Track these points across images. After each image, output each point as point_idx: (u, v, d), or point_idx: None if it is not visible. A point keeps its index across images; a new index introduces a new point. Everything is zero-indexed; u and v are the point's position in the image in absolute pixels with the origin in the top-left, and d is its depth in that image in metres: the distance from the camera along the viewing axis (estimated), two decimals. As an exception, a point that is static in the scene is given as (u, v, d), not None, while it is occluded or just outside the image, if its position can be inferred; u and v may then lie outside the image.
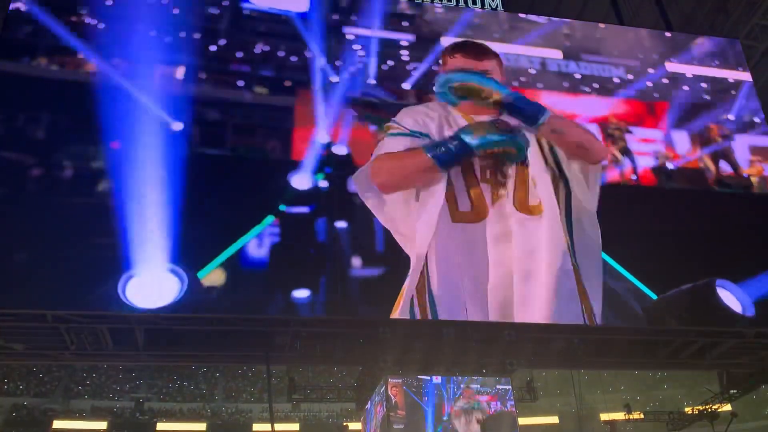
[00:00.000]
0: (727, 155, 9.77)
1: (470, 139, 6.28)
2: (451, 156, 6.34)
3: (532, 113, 6.19)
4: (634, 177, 9.36)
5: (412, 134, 6.65)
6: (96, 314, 7.36)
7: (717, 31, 13.59)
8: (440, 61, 7.26)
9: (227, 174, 8.09)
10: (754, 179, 9.59)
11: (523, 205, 6.50)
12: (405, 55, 9.29)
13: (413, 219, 6.24)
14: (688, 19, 14.16)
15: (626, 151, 9.52)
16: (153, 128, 7.70)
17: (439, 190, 6.35)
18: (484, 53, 7.23)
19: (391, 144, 6.82)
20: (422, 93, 8.83)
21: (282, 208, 7.85)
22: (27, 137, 7.66)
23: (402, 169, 6.49)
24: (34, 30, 8.12)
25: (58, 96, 7.93)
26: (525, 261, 6.47)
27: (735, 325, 8.33)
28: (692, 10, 14.22)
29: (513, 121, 6.06)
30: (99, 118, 7.59)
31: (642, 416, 16.89)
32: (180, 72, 8.29)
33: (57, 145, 7.65)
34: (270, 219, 7.73)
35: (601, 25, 11.27)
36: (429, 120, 6.80)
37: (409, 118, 7.01)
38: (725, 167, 9.70)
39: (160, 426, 25.06)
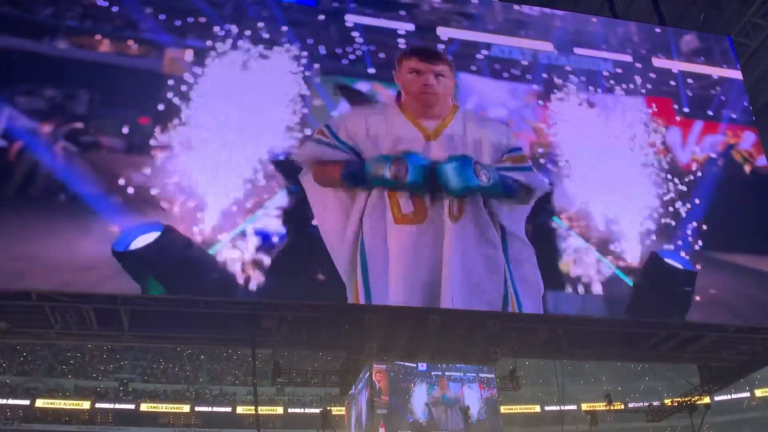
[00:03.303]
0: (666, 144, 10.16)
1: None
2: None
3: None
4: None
5: (336, 147, 7.17)
6: (81, 293, 7.33)
7: (709, 27, 13.62)
8: (396, 66, 8.10)
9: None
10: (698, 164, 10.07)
11: (451, 212, 7.10)
12: (402, 43, 9.31)
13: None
14: (680, 15, 14.17)
15: None
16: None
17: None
18: (437, 57, 7.89)
19: (315, 150, 7.63)
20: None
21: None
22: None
23: (327, 179, 7.65)
24: (54, 12, 8.23)
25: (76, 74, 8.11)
26: (460, 259, 7.08)
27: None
28: (685, 5, 14.23)
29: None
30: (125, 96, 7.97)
31: (622, 407, 17.10)
32: (189, 54, 8.36)
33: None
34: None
35: (593, 19, 11.27)
36: (362, 130, 7.33)
37: (343, 129, 7.57)
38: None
39: (143, 406, 25.11)
